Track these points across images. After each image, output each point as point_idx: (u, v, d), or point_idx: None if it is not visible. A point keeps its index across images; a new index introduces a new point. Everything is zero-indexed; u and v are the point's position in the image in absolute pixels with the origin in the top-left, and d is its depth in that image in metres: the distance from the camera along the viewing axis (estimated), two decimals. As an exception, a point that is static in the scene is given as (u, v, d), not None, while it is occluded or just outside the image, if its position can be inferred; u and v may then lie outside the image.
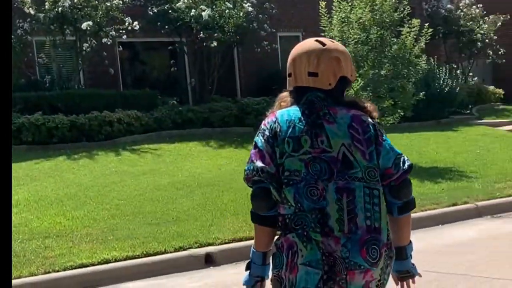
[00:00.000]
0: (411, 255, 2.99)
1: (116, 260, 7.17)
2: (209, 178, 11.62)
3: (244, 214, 8.58)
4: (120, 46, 18.53)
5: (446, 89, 20.46)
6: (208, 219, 8.80)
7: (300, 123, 2.78)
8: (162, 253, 7.43)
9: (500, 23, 24.55)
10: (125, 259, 7.19)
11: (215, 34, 17.48)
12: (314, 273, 2.67)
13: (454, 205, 9.79)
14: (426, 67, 13.89)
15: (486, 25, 24.37)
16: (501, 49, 24.89)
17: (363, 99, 3.02)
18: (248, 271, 2.95)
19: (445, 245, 7.98)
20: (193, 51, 19.12)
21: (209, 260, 7.49)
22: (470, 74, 25.23)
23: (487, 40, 24.39)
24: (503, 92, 25.02)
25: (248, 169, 2.83)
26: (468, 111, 22.32)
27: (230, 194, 10.22)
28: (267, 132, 2.82)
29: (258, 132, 2.87)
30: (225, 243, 7.82)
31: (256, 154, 2.82)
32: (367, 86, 12.84)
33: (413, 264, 3.00)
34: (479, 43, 24.27)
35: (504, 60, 25.32)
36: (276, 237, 2.86)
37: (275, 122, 2.83)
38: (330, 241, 2.68)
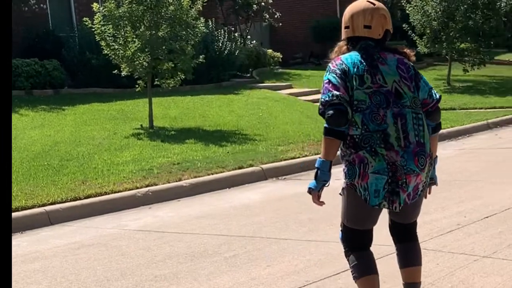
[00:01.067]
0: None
1: None
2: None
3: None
4: None
5: (226, 52, 20.73)
6: None
7: (361, 65, 3.69)
8: None
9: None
10: None
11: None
12: (381, 178, 3.60)
13: (240, 168, 9.83)
14: (204, 30, 13.91)
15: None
16: (277, 13, 25.75)
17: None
18: (314, 180, 3.68)
19: (233, 208, 7.95)
20: None
21: None
22: (249, 37, 25.86)
23: (263, 3, 25.09)
24: (281, 56, 26.00)
25: (327, 96, 3.65)
26: (248, 75, 22.89)
27: None
28: (338, 71, 3.69)
29: (328, 72, 3.73)
30: None
31: (332, 87, 3.66)
32: (145, 48, 12.51)
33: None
34: (255, 6, 24.88)
35: (280, 24, 26.27)
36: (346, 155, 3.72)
37: (342, 64, 3.71)
38: (392, 153, 3.59)
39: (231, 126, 13.63)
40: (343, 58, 3.74)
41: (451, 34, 21.58)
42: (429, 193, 4.00)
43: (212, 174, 9.50)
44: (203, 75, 18.55)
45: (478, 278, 4.70)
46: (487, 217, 6.42)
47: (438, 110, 3.85)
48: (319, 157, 3.72)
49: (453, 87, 21.87)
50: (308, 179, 9.67)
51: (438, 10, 21.48)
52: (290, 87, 20.92)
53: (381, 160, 3.59)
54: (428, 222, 6.42)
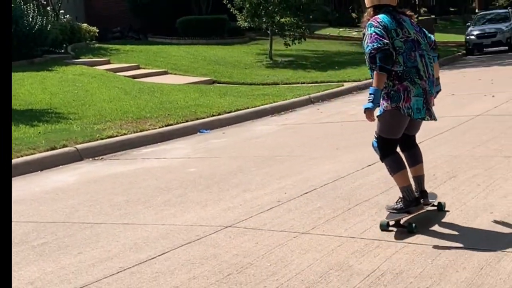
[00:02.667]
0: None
1: None
2: None
3: None
4: None
5: (36, 27, 19.75)
6: None
7: (393, 22, 5.18)
8: None
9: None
10: None
11: None
12: (420, 99, 5.17)
13: (53, 149, 9.41)
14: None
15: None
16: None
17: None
18: (371, 102, 4.95)
19: (45, 192, 7.58)
20: None
21: None
22: (62, 11, 24.84)
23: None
24: (97, 30, 25.27)
25: (378, 43, 5.01)
26: (63, 50, 22.03)
27: None
28: (380, 26, 5.10)
29: (373, 28, 5.10)
30: None
31: (380, 37, 5.04)
32: None
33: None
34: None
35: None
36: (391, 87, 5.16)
37: (382, 22, 5.14)
38: (423, 82, 5.19)
39: (44, 105, 13.04)
40: (381, 17, 5.21)
41: (270, 8, 22.08)
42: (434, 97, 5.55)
43: (22, 156, 9.01)
44: (13, 51, 17.56)
45: (296, 255, 4.79)
46: (306, 193, 6.59)
47: (437, 45, 5.68)
48: (373, 87, 5.04)
49: (276, 62, 22.46)
50: (127, 158, 9.54)
51: (257, -16, 21.90)
52: (108, 62, 20.43)
53: (418, 87, 5.18)
54: (249, 200, 6.49)
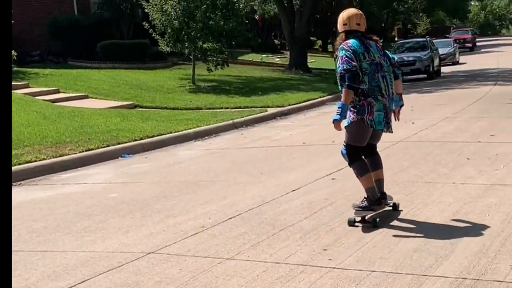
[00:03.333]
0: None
1: None
2: None
3: None
4: None
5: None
6: None
7: (360, 47, 6.05)
8: None
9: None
10: None
11: None
12: (381, 114, 6.07)
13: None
14: None
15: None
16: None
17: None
18: (339, 115, 5.86)
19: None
20: None
21: None
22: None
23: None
24: (16, 54, 24.67)
25: (347, 65, 5.90)
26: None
27: None
28: (350, 50, 5.97)
29: (344, 51, 5.98)
30: None
31: (349, 59, 5.93)
32: None
33: None
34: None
35: (13, 21, 24.84)
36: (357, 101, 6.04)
37: (352, 46, 6.01)
38: (384, 99, 6.09)
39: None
40: (351, 42, 6.08)
41: (192, 33, 22.13)
42: (398, 112, 6.49)
43: None
44: None
45: (221, 281, 4.75)
46: (231, 218, 6.57)
47: (399, 64, 6.59)
48: (341, 101, 5.95)
49: (199, 87, 22.45)
50: (47, 183, 9.30)
51: (178, 9, 21.94)
52: (26, 86, 19.92)
53: (380, 103, 6.08)
54: (172, 226, 6.42)
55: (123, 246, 5.85)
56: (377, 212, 6.18)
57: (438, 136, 11.05)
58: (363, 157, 6.27)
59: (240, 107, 17.91)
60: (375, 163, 6.40)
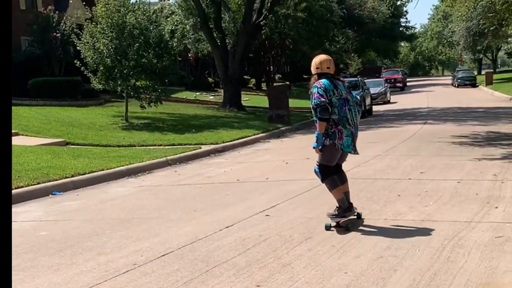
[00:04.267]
0: None
1: None
2: None
3: None
4: None
5: None
6: None
7: (330, 85, 7.34)
8: None
9: None
10: None
11: None
12: (349, 139, 7.40)
13: None
14: None
15: None
16: None
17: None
18: (316, 143, 7.30)
19: None
20: None
21: None
22: None
23: None
24: None
25: (318, 101, 7.19)
26: None
27: None
28: (322, 88, 7.26)
29: (316, 88, 7.30)
30: None
31: (321, 96, 7.21)
32: None
33: None
34: None
35: None
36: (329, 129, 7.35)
37: (323, 85, 7.30)
38: (351, 127, 7.38)
39: None
40: (323, 82, 7.40)
41: (125, 71, 22.08)
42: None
43: None
44: None
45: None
46: (164, 255, 6.53)
47: (360, 103, 7.98)
48: (317, 131, 7.33)
49: (132, 124, 22.33)
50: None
51: (110, 47, 21.91)
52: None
53: (348, 130, 7.40)
54: (104, 263, 6.33)
55: (53, 285, 5.73)
56: (347, 218, 7.51)
57: (370, 173, 11.28)
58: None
59: (174, 144, 17.88)
60: (342, 179, 7.70)
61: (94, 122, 22.06)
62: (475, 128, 19.37)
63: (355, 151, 7.61)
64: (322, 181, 7.58)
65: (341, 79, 7.73)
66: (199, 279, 5.64)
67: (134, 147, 17.30)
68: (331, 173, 7.50)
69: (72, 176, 12.15)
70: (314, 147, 7.41)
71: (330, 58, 7.73)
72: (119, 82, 22.26)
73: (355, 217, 7.72)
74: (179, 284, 5.54)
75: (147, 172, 13.60)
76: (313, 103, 7.29)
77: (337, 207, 7.50)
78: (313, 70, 7.63)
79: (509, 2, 24.85)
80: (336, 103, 7.33)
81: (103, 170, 13.01)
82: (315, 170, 7.63)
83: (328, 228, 7.22)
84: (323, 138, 7.32)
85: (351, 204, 7.63)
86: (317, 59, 7.64)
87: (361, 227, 7.27)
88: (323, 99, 7.22)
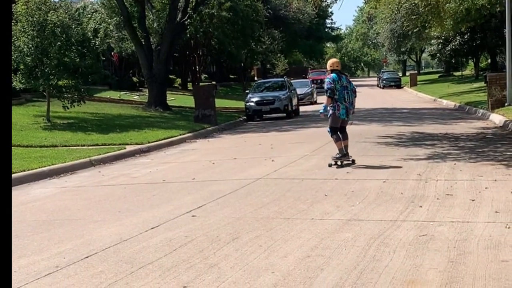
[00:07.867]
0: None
1: None
2: None
3: None
4: None
5: None
6: None
7: (336, 78, 12.52)
8: None
9: None
10: None
11: None
12: (344, 110, 12.57)
13: None
14: None
15: None
16: None
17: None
18: (323, 109, 12.67)
19: None
20: None
21: None
22: None
23: None
24: None
25: (328, 86, 12.40)
26: None
27: None
28: (331, 79, 12.42)
29: (328, 78, 12.55)
30: None
31: (330, 83, 12.36)
32: None
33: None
34: None
35: None
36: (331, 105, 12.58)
37: (332, 77, 12.50)
38: (346, 103, 12.61)
39: None
40: (332, 75, 12.39)
41: (46, 70, 21.63)
42: (353, 113, 12.89)
43: None
44: None
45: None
46: (87, 257, 6.41)
47: (355, 90, 12.84)
48: (324, 104, 12.52)
49: (54, 124, 21.87)
50: None
51: (31, 46, 21.43)
52: None
53: (344, 105, 12.39)
54: (25, 266, 6.17)
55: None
56: (345, 161, 12.16)
57: (297, 173, 11.38)
58: (338, 132, 12.43)
59: (97, 145, 17.61)
60: (344, 135, 12.46)
61: (15, 122, 21.48)
62: (400, 129, 19.80)
63: (348, 119, 12.62)
64: (331, 136, 12.41)
65: (345, 74, 12.77)
66: (123, 281, 5.57)
67: (57, 148, 16.96)
68: (336, 131, 12.36)
69: (-9, 177, 11.79)
70: (320, 112, 12.62)
71: (339, 60, 13.43)
72: (40, 81, 21.76)
73: (350, 162, 12.25)
74: (103, 286, 5.45)
75: (70, 173, 13.36)
76: (325, 87, 12.40)
77: (337, 153, 12.25)
78: (328, 67, 12.69)
79: (431, 5, 25.53)
80: (339, 89, 12.24)
81: (24, 171, 12.71)
82: (327, 130, 12.54)
83: (330, 166, 11.99)
84: (329, 109, 12.26)
85: (347, 153, 12.36)
86: (331, 61, 12.71)
87: (288, 227, 7.31)
88: (331, 86, 12.15)
